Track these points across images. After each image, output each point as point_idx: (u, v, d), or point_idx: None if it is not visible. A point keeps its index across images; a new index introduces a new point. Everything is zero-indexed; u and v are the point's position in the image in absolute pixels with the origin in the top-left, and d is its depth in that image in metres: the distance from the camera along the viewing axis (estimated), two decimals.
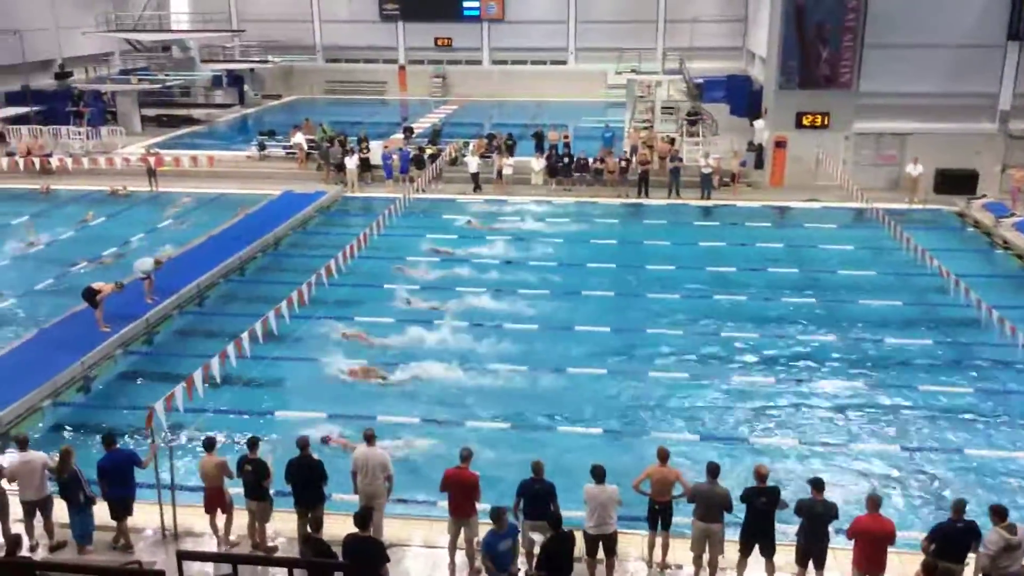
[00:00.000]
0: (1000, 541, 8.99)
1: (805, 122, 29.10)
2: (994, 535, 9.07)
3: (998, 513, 9.21)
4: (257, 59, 48.77)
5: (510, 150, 31.72)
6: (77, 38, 45.30)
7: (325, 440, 13.51)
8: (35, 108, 38.27)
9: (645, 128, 33.89)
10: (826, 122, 28.99)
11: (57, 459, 10.64)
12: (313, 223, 26.68)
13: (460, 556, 10.47)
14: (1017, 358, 16.01)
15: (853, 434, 14.31)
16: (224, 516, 10.92)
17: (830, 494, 10.24)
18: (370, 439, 10.75)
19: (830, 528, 9.84)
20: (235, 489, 10.93)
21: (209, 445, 10.79)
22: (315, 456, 10.72)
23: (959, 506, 9.47)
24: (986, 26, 27.82)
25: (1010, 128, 28.45)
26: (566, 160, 30.00)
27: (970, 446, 13.88)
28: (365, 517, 9.04)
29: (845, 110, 28.81)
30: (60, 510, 10.88)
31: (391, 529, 10.98)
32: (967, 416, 14.82)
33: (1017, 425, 14.58)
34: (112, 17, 45.29)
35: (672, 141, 30.87)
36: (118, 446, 10.83)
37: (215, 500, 10.81)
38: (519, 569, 9.68)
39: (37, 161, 31.33)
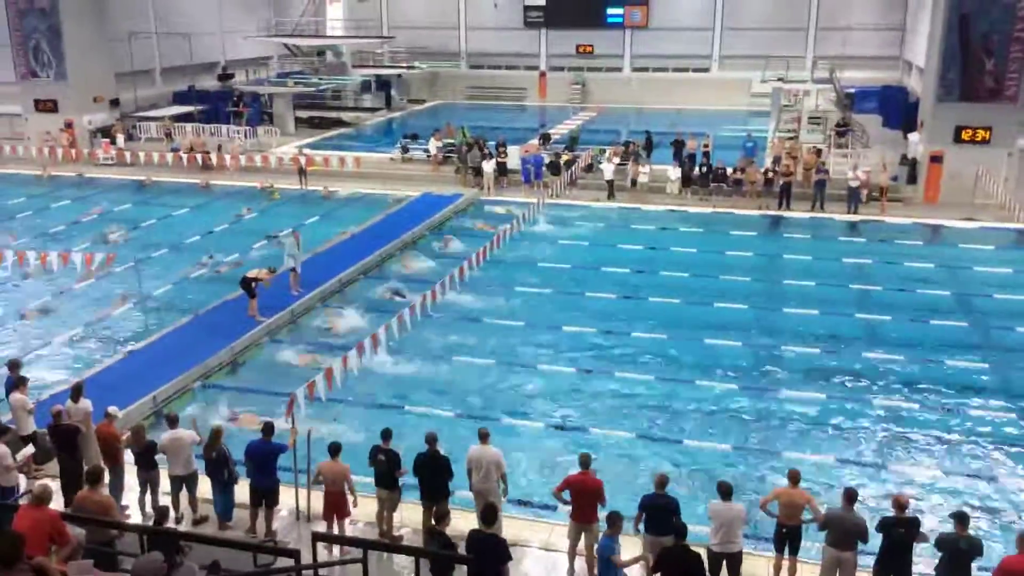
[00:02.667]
0: None
1: (964, 136, 27.54)
2: None
3: None
4: (404, 65, 50.32)
5: (648, 150, 31.45)
6: (239, 42, 48.10)
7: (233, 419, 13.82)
8: (199, 107, 40.84)
9: (790, 138, 32.88)
10: (988, 137, 27.34)
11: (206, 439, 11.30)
12: (450, 224, 27.29)
13: (579, 562, 10.46)
14: None
15: (1004, 468, 13.40)
16: (339, 521, 11.07)
17: (977, 530, 9.65)
18: (484, 437, 10.89)
19: (974, 566, 9.26)
20: (364, 479, 11.30)
21: (334, 450, 10.89)
22: (442, 452, 10.96)
23: None
24: None
25: None
26: (704, 169, 29.48)
27: None
28: (491, 514, 9.16)
29: (1009, 125, 27.07)
30: (204, 486, 11.55)
31: (512, 529, 11.07)
32: None
33: None
34: (272, 23, 47.82)
35: (818, 152, 29.81)
36: (272, 438, 11.07)
37: (335, 504, 10.94)
38: None
39: (199, 157, 33.40)
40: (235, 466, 11.23)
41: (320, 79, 45.03)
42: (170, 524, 10.49)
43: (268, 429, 11.11)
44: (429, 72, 51.76)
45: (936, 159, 27.91)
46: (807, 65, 44.66)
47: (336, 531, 11.09)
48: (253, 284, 18.23)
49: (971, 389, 15.88)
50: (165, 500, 11.35)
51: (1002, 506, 12.43)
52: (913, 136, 30.05)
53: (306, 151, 32.96)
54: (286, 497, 11.50)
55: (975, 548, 9.19)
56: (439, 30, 52.33)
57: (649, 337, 18.15)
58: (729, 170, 29.19)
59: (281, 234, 23.36)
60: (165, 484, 11.58)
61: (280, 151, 34.88)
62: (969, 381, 16.18)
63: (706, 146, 31.49)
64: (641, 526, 10.03)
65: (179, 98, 43.36)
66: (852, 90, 35.09)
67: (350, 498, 10.98)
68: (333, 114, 44.56)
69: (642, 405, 15.38)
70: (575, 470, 10.53)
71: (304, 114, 43.06)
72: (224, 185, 31.70)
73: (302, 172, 30.77)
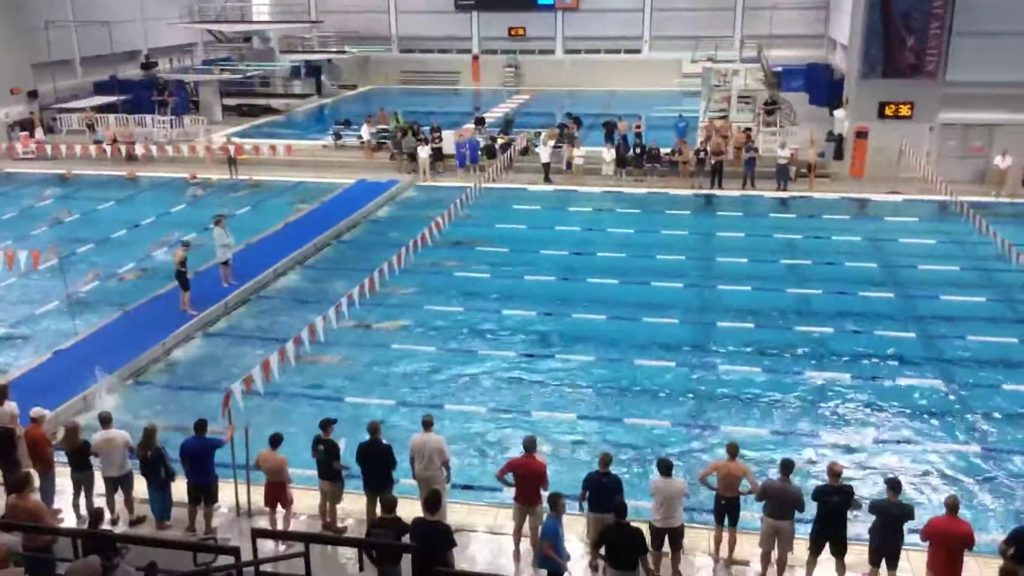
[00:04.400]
0: None
1: (888, 112, 28.24)
2: None
3: None
4: (334, 50, 49.53)
5: (576, 123, 31.84)
6: (162, 29, 46.74)
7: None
8: (122, 97, 39.63)
9: (720, 117, 33.33)
10: (910, 112, 28.09)
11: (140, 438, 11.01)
12: (385, 211, 27.04)
13: (524, 543, 10.53)
14: None
15: (932, 434, 13.88)
16: (283, 511, 11.04)
17: (906, 494, 9.98)
18: (428, 425, 10.88)
19: (905, 529, 9.57)
20: (306, 472, 11.18)
21: (275, 441, 10.86)
22: (385, 441, 10.90)
23: None
24: None
25: None
26: (637, 150, 29.73)
27: None
28: (434, 501, 9.14)
29: (930, 100, 27.83)
30: (141, 486, 11.27)
31: (457, 515, 11.11)
32: None
33: None
34: (196, 8, 46.53)
35: (748, 131, 30.29)
36: (207, 434, 10.90)
37: (276, 494, 10.91)
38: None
39: (123, 148, 32.44)
40: (171, 464, 10.99)
41: (247, 65, 44.07)
42: (106, 526, 10.24)
43: (201, 425, 10.90)
44: (360, 57, 51.05)
45: (861, 135, 28.60)
46: (735, 45, 45.30)
47: (280, 520, 11.00)
48: (186, 274, 17.86)
49: (899, 358, 16.38)
50: (100, 502, 11.06)
51: (931, 469, 12.87)
52: (839, 113, 30.73)
53: (235, 140, 32.28)
54: (226, 493, 11.32)
55: (906, 512, 9.52)
56: (369, 14, 51.56)
57: (588, 318, 18.30)
58: (664, 151, 29.47)
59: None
60: (100, 485, 11.28)
61: (208, 140, 34.07)
62: (897, 350, 16.68)
63: (638, 127, 31.73)
64: (585, 504, 10.15)
65: (101, 88, 41.94)
66: (779, 69, 35.68)
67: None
68: (262, 101, 43.65)
69: (583, 385, 15.50)
70: (519, 453, 10.59)
71: (232, 102, 42.09)
72: (151, 177, 30.88)
73: (231, 161, 30.13)
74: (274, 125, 39.83)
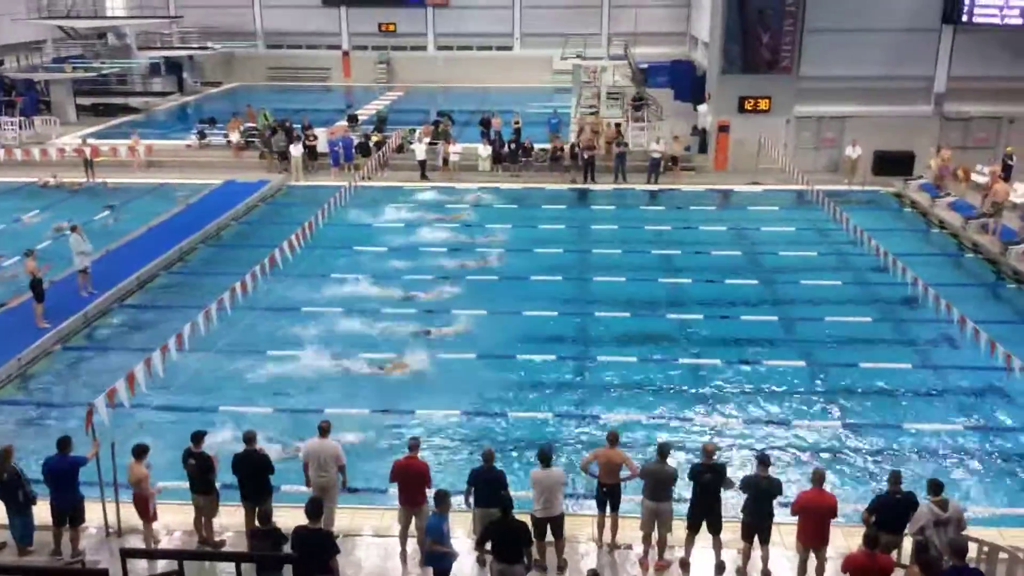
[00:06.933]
0: (930, 515, 9.15)
1: (747, 106, 29.48)
2: (924, 509, 9.26)
3: (932, 488, 9.43)
4: (196, 46, 47.73)
5: (450, 120, 32.02)
6: (7, 25, 43.75)
7: None
8: None
9: (591, 113, 34.00)
10: (767, 106, 29.41)
11: None
12: (256, 212, 26.29)
13: (411, 544, 10.46)
14: (953, 334, 16.47)
15: (796, 411, 14.58)
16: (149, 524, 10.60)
17: (774, 471, 10.44)
18: (324, 431, 10.67)
19: (775, 503, 10.02)
20: (182, 484, 10.75)
21: (138, 452, 10.36)
22: (261, 449, 10.60)
23: (896, 477, 9.73)
24: (922, 10, 28.53)
25: (945, 110, 29.22)
26: (513, 146, 29.97)
27: (908, 420, 14.26)
28: (316, 507, 8.95)
29: (786, 94, 29.23)
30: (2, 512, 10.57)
31: (342, 519, 10.92)
32: (905, 391, 15.23)
33: (953, 399, 15.02)
34: (44, 3, 43.88)
35: (618, 126, 31.02)
36: (70, 452, 10.28)
37: (140, 507, 10.49)
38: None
39: None
40: (30, 486, 10.31)
41: (102, 63, 41.95)
42: None
43: (64, 443, 10.28)
44: (223, 53, 49.37)
45: (723, 128, 29.77)
46: (603, 42, 46.24)
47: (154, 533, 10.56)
48: (42, 284, 16.85)
49: (764, 341, 17.15)
50: None
51: (797, 445, 13.54)
52: (702, 108, 31.86)
53: (91, 141, 30.66)
54: (93, 513, 10.73)
55: (775, 487, 9.97)
56: (232, 8, 49.86)
57: (469, 314, 18.29)
58: (542, 146, 29.77)
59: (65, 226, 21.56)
60: None
61: (62, 142, 32.22)
62: (762, 334, 17.48)
63: (516, 123, 31.95)
64: (471, 499, 10.16)
65: None
66: (645, 65, 36.64)
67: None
68: (119, 100, 41.69)
69: (465, 382, 15.50)
70: (403, 454, 10.51)
71: (87, 101, 40.04)
72: (1, 182, 28.93)
73: (88, 164, 28.60)
74: (134, 125, 37.98)
